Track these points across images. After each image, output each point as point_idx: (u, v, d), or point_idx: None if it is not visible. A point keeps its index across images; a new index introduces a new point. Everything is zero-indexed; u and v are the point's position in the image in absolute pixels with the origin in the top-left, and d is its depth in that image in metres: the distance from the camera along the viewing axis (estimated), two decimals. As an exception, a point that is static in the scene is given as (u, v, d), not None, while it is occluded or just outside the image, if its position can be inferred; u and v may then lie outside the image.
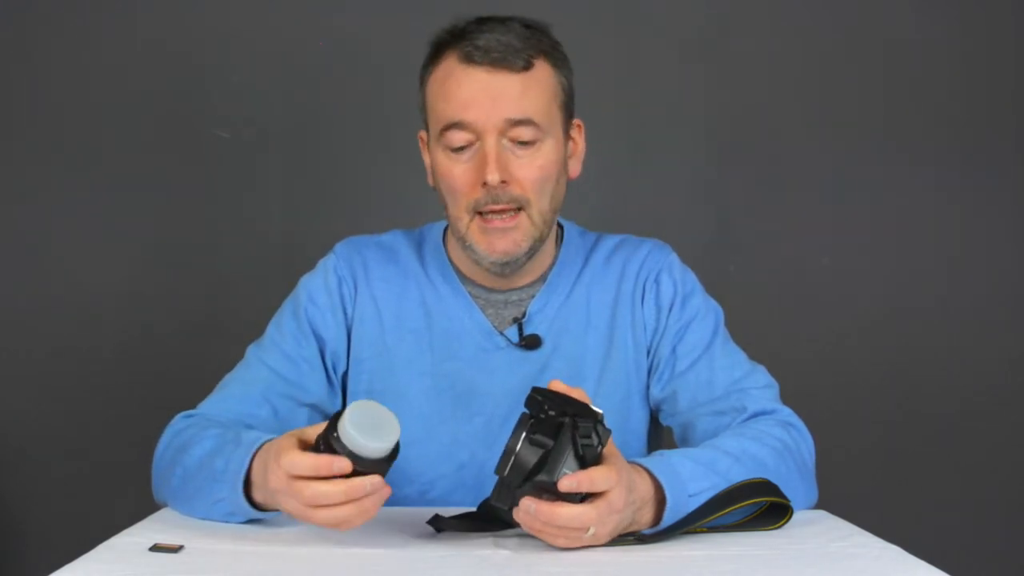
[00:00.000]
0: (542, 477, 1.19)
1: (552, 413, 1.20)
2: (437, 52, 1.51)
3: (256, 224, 2.63)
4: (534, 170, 1.48)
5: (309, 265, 1.66)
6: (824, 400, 2.61)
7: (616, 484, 1.21)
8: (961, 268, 2.68)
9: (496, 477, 1.21)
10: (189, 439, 1.42)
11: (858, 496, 2.46)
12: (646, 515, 1.28)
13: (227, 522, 1.35)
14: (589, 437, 1.20)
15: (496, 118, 1.45)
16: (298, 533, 1.30)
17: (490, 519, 1.29)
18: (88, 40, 2.62)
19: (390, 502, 1.27)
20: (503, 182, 1.46)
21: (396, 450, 1.21)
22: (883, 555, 1.24)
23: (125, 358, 2.62)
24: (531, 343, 1.57)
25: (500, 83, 1.46)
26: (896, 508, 2.62)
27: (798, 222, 2.68)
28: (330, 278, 1.61)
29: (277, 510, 1.29)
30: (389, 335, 1.59)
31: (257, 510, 1.31)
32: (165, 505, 1.46)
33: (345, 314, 1.60)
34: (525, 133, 1.47)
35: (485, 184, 1.46)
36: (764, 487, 1.36)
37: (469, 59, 1.46)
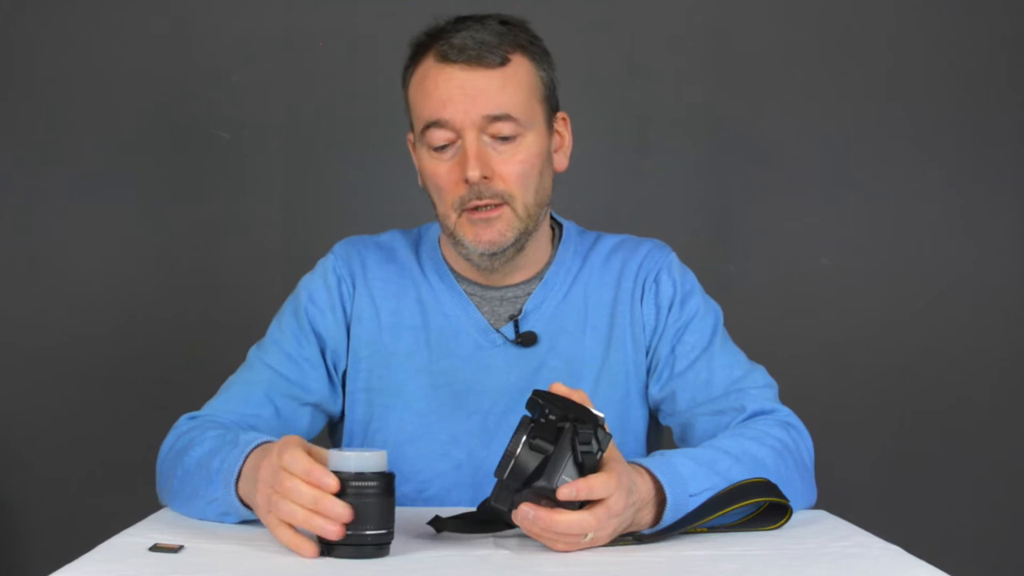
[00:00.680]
0: (541, 483, 1.19)
1: (552, 417, 1.20)
2: (416, 53, 1.54)
3: (255, 224, 2.63)
4: (515, 165, 1.49)
5: (308, 265, 1.67)
6: (824, 400, 2.61)
7: (615, 490, 1.21)
8: (961, 268, 2.68)
9: (496, 478, 1.21)
10: (191, 441, 1.43)
11: (858, 496, 2.47)
12: (646, 516, 1.28)
13: (222, 522, 1.35)
14: (589, 443, 1.20)
15: (474, 115, 1.47)
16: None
17: (490, 519, 1.29)
18: (88, 40, 2.62)
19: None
20: (485, 178, 1.48)
21: (387, 492, 1.19)
22: (883, 555, 1.24)
23: (125, 358, 2.62)
24: (527, 340, 1.57)
25: (477, 80, 1.48)
26: (896, 508, 2.63)
27: (798, 222, 2.68)
28: (329, 278, 1.62)
29: None
30: (387, 333, 1.59)
31: (249, 510, 1.31)
32: (167, 506, 1.47)
33: (345, 313, 1.60)
34: (505, 128, 1.48)
35: (467, 181, 1.47)
36: (764, 487, 1.36)
37: (445, 58, 1.49)
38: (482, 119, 1.47)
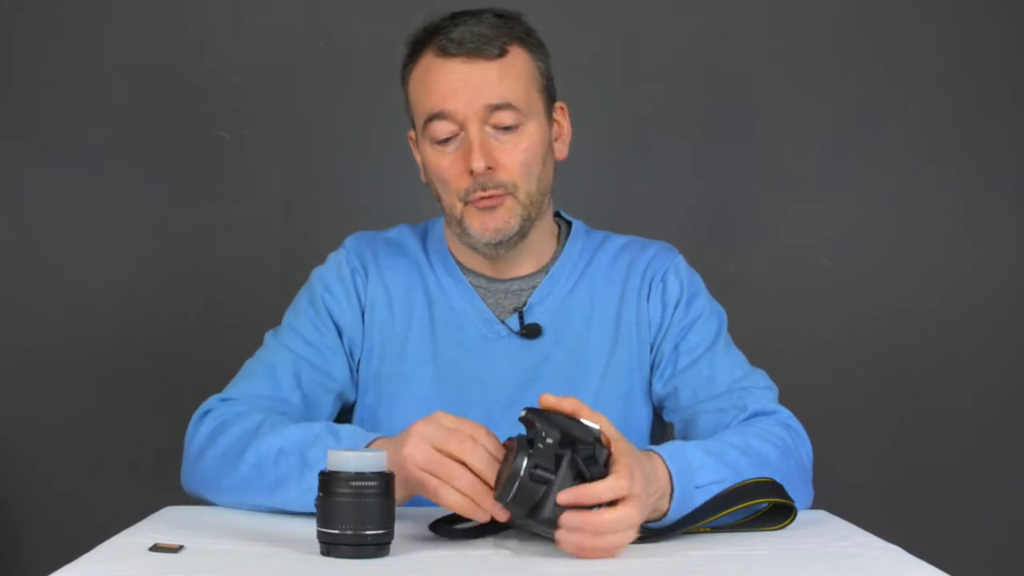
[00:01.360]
0: (545, 515, 1.18)
1: (550, 441, 1.18)
2: (414, 50, 1.56)
3: (256, 224, 2.63)
4: (518, 154, 1.52)
5: (309, 265, 1.68)
6: (824, 400, 2.60)
7: (630, 488, 1.19)
8: (961, 268, 2.67)
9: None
10: (256, 427, 1.42)
11: (858, 496, 2.47)
12: (663, 504, 1.28)
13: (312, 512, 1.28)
14: (592, 456, 1.19)
15: (476, 105, 1.49)
16: (298, 533, 1.29)
17: (491, 524, 1.28)
18: (88, 40, 2.62)
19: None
20: (489, 168, 1.50)
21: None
22: (883, 555, 1.24)
23: (125, 358, 2.62)
24: (531, 332, 1.59)
25: (477, 71, 1.50)
26: (896, 508, 2.62)
27: (798, 222, 2.68)
28: (343, 268, 1.64)
29: None
30: (398, 322, 1.61)
31: None
32: (197, 495, 1.46)
33: (359, 301, 1.62)
34: (506, 118, 1.50)
35: (472, 172, 1.49)
36: (769, 487, 1.36)
37: (445, 52, 1.51)
38: (484, 109, 1.49)
